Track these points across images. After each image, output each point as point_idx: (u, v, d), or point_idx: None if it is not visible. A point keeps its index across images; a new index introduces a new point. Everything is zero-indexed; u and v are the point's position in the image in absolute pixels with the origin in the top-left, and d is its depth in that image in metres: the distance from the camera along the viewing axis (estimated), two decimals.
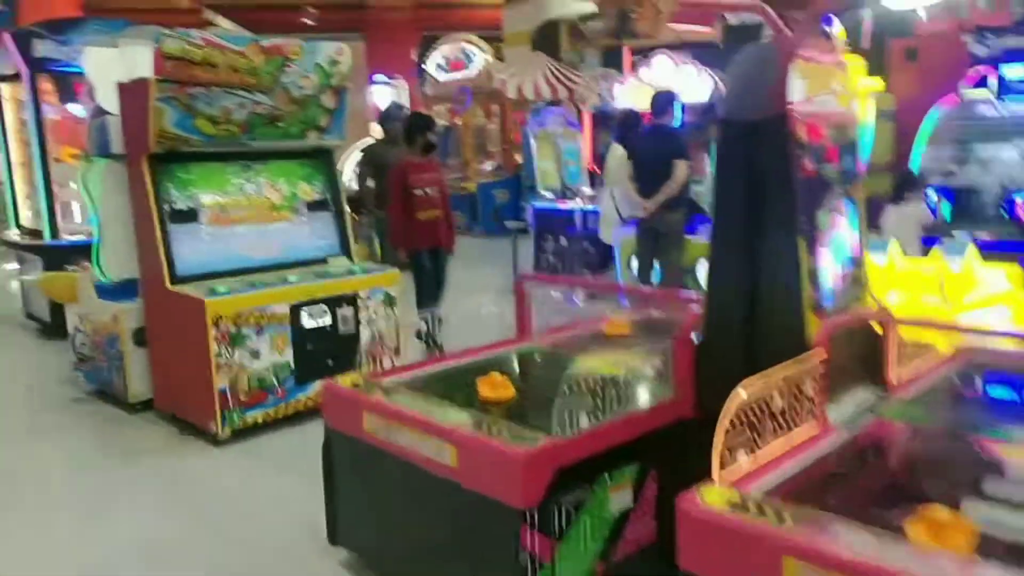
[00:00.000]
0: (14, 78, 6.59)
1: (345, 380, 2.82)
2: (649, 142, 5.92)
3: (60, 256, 6.21)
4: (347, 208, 5.05)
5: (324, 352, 4.43)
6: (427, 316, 5.50)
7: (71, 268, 5.09)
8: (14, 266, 7.54)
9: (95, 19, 6.85)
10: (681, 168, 5.62)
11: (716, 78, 7.80)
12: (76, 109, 6.40)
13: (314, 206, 4.85)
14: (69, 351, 5.11)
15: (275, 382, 4.23)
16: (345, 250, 4.95)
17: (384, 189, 5.88)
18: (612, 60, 13.89)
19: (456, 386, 2.81)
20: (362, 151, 6.71)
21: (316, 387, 4.39)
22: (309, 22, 17.62)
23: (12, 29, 6.81)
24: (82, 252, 5.10)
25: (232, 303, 4.04)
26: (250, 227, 4.55)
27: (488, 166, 15.70)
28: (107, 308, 4.62)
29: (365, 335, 4.62)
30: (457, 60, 13.77)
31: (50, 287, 5.03)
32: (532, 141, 12.37)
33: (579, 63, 14.49)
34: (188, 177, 4.35)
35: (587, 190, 9.32)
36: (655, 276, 5.98)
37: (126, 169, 4.41)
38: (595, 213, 7.84)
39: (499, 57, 14.83)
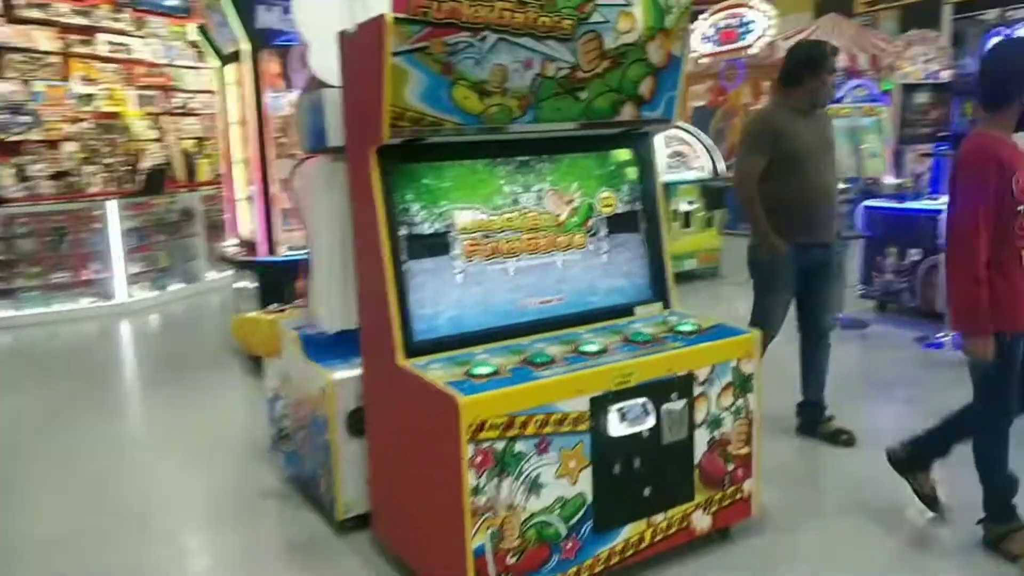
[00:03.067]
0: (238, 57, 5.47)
1: None
2: None
3: (276, 276, 5.01)
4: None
5: (639, 475, 2.65)
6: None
7: (273, 308, 3.70)
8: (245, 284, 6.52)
9: None
10: None
11: None
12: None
13: (617, 224, 3.08)
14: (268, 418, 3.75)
15: (562, 530, 2.51)
16: (659, 291, 3.14)
17: (783, 186, 3.59)
18: (920, 19, 11.09)
19: None
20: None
21: (625, 535, 2.63)
22: None
23: None
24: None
25: (502, 401, 2.35)
26: (525, 261, 2.87)
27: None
28: (315, 373, 3.15)
29: (700, 443, 2.78)
30: (729, 29, 11.59)
31: (242, 333, 3.64)
32: None
33: (873, 25, 11.88)
34: (438, 184, 2.73)
35: (890, 179, 7.00)
36: None
37: (347, 172, 2.90)
38: None
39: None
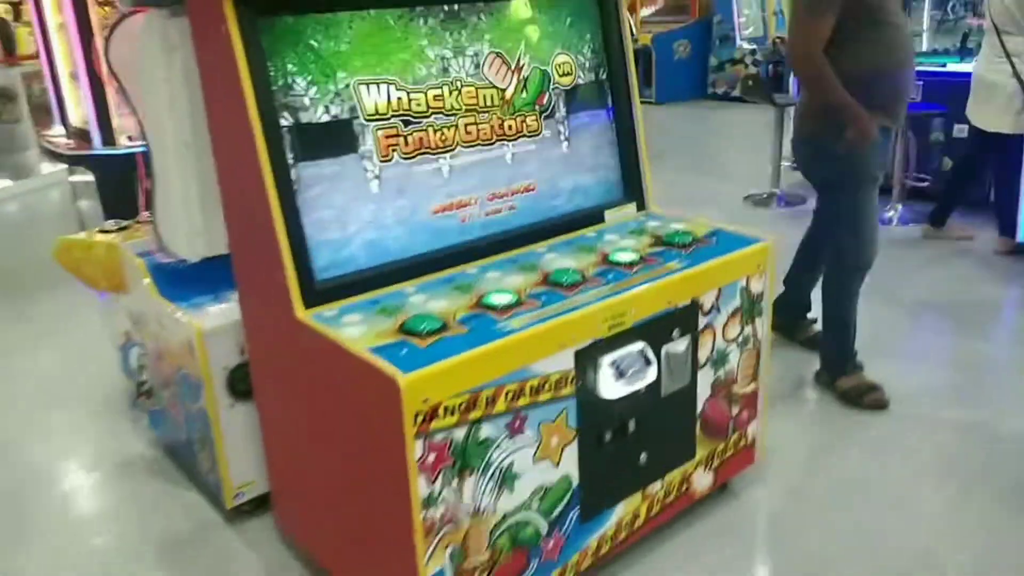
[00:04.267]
0: None
1: None
2: None
3: (117, 174, 3.98)
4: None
5: (634, 440, 2.00)
6: None
7: (111, 225, 2.74)
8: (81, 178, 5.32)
9: None
10: None
11: None
12: None
13: (580, 99, 2.30)
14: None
15: (542, 528, 1.85)
16: (633, 188, 2.42)
17: (860, 53, 2.61)
18: None
19: None
20: None
21: (617, 516, 2.01)
22: None
23: None
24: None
25: (461, 372, 1.60)
26: (463, 157, 2.06)
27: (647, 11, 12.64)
28: (176, 320, 2.29)
29: (703, 387, 2.15)
30: None
31: (69, 261, 2.68)
32: None
33: None
34: (334, 47, 1.84)
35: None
36: None
37: (191, 31, 1.95)
38: (941, 78, 5.01)
39: None
